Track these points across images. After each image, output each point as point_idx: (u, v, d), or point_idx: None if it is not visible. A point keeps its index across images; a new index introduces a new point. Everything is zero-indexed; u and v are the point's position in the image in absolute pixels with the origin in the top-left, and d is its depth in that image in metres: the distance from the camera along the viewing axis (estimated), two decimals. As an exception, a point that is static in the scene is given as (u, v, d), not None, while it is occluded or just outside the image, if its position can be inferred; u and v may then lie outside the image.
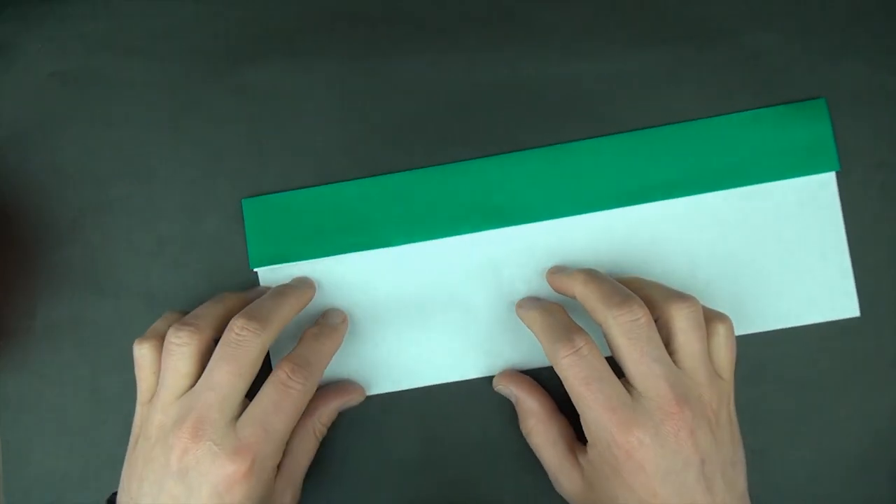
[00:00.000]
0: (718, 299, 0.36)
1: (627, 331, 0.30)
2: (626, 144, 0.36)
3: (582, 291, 0.32)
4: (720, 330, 0.32)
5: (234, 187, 0.37)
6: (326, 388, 0.35)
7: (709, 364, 0.31)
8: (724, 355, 0.32)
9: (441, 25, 0.37)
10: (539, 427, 0.33)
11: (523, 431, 0.34)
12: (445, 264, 0.36)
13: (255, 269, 0.36)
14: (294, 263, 0.36)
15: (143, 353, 0.32)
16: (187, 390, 0.31)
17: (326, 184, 0.36)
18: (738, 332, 0.35)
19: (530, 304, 0.34)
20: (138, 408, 0.32)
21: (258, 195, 0.36)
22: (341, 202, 0.36)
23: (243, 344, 0.30)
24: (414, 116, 0.37)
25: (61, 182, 0.37)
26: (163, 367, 0.31)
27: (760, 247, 0.36)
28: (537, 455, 0.34)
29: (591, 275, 0.33)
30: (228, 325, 0.31)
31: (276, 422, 0.30)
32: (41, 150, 0.37)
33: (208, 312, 0.33)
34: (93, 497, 0.36)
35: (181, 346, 0.31)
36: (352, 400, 0.35)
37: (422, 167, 0.36)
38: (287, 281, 0.36)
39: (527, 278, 0.36)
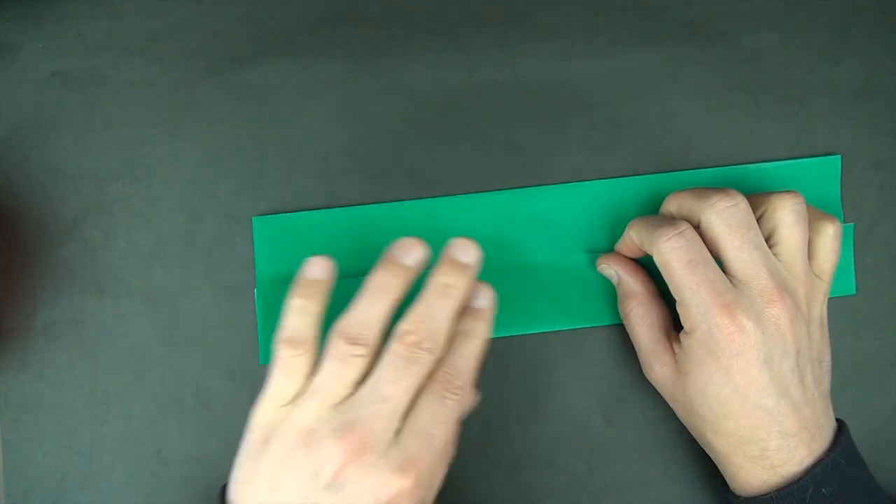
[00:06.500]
0: None
1: (727, 217, 0.30)
2: (638, 188, 0.36)
3: (677, 201, 0.32)
4: (829, 230, 0.31)
5: (234, 187, 0.37)
6: None
7: (806, 260, 0.31)
8: (828, 256, 0.31)
9: (441, 25, 0.37)
10: (638, 309, 0.34)
11: (621, 313, 0.35)
12: None
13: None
14: None
15: (293, 360, 0.30)
16: (345, 399, 0.29)
17: (333, 199, 0.36)
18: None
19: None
20: (268, 408, 0.30)
21: (268, 212, 0.36)
22: (353, 227, 0.36)
23: (419, 361, 0.29)
24: (413, 116, 0.37)
25: (61, 182, 0.37)
26: (325, 370, 0.29)
27: None
28: (632, 337, 0.34)
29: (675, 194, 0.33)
30: (400, 335, 0.29)
31: (438, 434, 0.28)
32: (41, 150, 0.37)
33: (373, 317, 0.30)
34: (93, 497, 0.36)
35: (357, 357, 0.29)
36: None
37: (428, 186, 0.36)
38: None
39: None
